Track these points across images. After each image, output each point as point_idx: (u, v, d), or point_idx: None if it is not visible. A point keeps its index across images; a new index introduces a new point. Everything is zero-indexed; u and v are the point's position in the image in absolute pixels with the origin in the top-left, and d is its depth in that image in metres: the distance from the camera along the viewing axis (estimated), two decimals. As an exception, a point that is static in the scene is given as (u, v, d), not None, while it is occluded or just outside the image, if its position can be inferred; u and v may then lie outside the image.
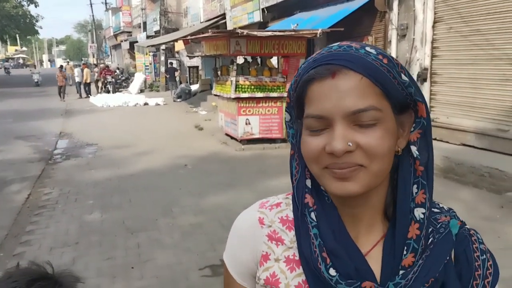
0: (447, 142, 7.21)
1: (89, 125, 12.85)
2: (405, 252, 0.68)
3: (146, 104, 18.34)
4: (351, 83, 0.64)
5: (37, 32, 41.98)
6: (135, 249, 4.21)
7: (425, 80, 7.68)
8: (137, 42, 27.41)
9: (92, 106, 18.34)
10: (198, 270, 3.76)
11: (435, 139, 7.49)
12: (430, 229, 0.69)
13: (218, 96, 10.17)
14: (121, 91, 23.55)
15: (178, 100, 18.93)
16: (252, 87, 8.97)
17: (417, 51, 7.78)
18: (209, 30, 10.08)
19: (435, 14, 7.52)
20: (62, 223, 4.95)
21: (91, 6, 40.99)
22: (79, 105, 18.81)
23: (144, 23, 27.27)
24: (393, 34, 8.29)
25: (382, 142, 0.65)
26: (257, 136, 9.09)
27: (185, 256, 4.04)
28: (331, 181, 0.67)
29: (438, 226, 0.70)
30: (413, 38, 7.80)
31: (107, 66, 27.67)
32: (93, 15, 42.74)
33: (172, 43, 20.06)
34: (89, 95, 21.77)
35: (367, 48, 0.67)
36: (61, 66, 23.82)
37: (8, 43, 65.61)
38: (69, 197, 5.91)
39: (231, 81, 8.97)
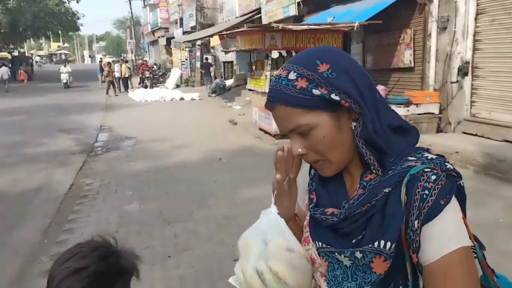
0: (489, 138, 6.97)
1: (128, 119, 13.21)
2: (357, 188, 0.94)
3: (182, 99, 18.65)
4: (280, 113, 0.91)
5: (78, 29, 43.27)
6: (171, 239, 4.33)
7: (466, 74, 7.44)
8: (173, 38, 27.89)
9: (130, 100, 18.84)
10: (232, 261, 3.82)
11: (476, 135, 7.26)
12: (390, 173, 0.90)
13: (253, 90, 10.22)
14: (158, 86, 24.08)
15: (213, 95, 19.13)
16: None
17: (458, 44, 7.54)
18: (244, 25, 10.16)
19: (477, 5, 7.26)
20: (102, 213, 5.15)
21: (130, 2, 41.87)
22: (119, 100, 19.36)
23: (181, 19, 27.68)
24: (433, 27, 8.07)
25: (321, 140, 0.90)
26: (291, 130, 9.07)
27: (219, 247, 4.12)
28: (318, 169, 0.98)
29: (399, 170, 0.89)
30: (454, 31, 7.56)
31: (145, 62, 28.31)
32: (131, 12, 43.60)
33: (207, 38, 20.27)
34: (128, 90, 22.37)
35: (290, 75, 0.90)
36: (109, 62, 24.29)
37: (51, 39, 68.16)
38: (109, 188, 6.13)
39: (266, 75, 8.99)
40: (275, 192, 1.02)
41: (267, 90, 8.85)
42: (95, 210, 5.25)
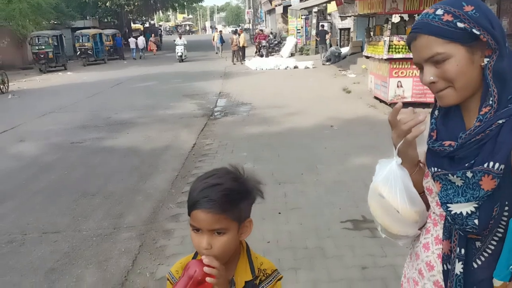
0: None
1: (244, 86, 13.80)
2: (474, 123, 1.06)
3: (296, 67, 18.76)
4: (422, 42, 1.07)
5: (201, 0, 45.55)
6: (282, 198, 4.58)
7: None
8: (290, 5, 27.83)
9: (247, 69, 19.55)
10: (340, 222, 3.94)
11: None
12: (506, 109, 1.02)
13: (369, 57, 9.89)
14: (273, 55, 24.48)
15: (327, 63, 18.88)
16: (407, 47, 8.48)
17: None
18: (364, -11, 9.74)
19: None
20: (220, 170, 5.60)
21: (249, -28, 42.65)
22: (236, 68, 20.22)
23: (298, -14, 27.41)
24: None
25: (455, 68, 1.04)
26: (408, 99, 8.66)
27: (328, 209, 4.25)
28: (437, 99, 1.13)
29: None
30: None
31: (261, 31, 28.87)
32: (250, -19, 44.49)
33: (324, 4, 19.86)
34: (245, 59, 23.17)
35: (437, 11, 1.05)
36: (235, 31, 24.99)
37: (178, 11, 72.85)
38: (227, 149, 6.61)
39: (384, 41, 8.63)
40: (399, 144, 1.19)
41: (385, 57, 8.57)
42: (214, 167, 5.71)
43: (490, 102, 1.04)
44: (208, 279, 1.07)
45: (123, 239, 3.89)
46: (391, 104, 8.77)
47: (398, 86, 8.68)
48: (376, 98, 9.73)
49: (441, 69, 1.06)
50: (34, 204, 4.86)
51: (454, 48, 1.03)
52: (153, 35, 36.96)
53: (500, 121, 1.02)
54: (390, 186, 1.16)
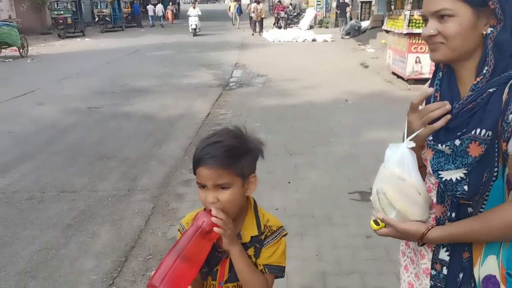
0: None
1: (261, 58, 13.72)
2: (468, 92, 1.10)
3: (314, 40, 18.50)
4: None
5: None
6: (292, 168, 4.65)
7: None
8: (311, -24, 27.17)
9: (264, 41, 19.35)
10: (348, 193, 4.01)
11: None
12: (497, 78, 1.05)
13: (389, 31, 9.72)
14: (291, 27, 24.11)
15: (346, 37, 18.57)
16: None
17: None
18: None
19: None
20: (233, 139, 5.69)
21: None
22: (253, 39, 20.04)
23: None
24: None
25: (456, 27, 1.06)
26: (426, 76, 8.52)
27: (336, 180, 4.32)
28: (429, 52, 1.15)
29: (506, 75, 1.05)
30: None
31: (280, 2, 28.35)
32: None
33: (346, -24, 19.36)
34: (262, 31, 22.89)
35: None
36: (258, 1, 24.49)
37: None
38: (240, 119, 6.67)
39: (405, 15, 8.45)
40: (421, 130, 1.16)
41: (405, 31, 8.42)
42: (227, 136, 5.82)
43: (484, 71, 1.07)
44: (215, 229, 1.14)
45: (137, 201, 4.04)
46: (408, 80, 8.67)
47: (416, 62, 8.55)
48: (393, 73, 9.61)
49: (443, 25, 1.08)
50: (52, 164, 5.03)
51: (462, 7, 1.05)
52: (171, 3, 36.65)
53: (491, 90, 1.05)
54: (408, 170, 1.13)
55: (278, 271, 1.28)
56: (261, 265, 1.26)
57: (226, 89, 9.13)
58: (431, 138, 1.15)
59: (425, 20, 1.14)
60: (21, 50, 15.16)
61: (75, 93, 8.92)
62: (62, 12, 22.43)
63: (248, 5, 24.39)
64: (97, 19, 26.34)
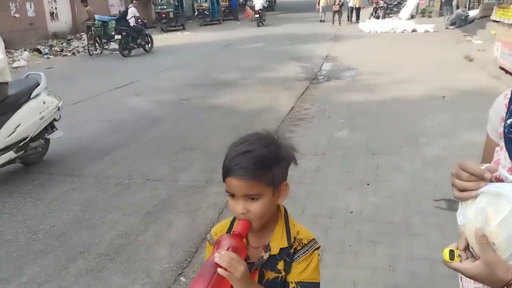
0: None
1: (354, 50, 13.25)
2: None
3: (414, 30, 17.42)
4: None
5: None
6: (373, 169, 4.41)
7: None
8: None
9: (360, 31, 18.68)
10: (433, 200, 3.68)
11: None
12: None
13: (498, 22, 8.75)
14: (390, 17, 22.96)
15: (451, 27, 17.15)
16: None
17: None
18: None
19: None
20: (314, 135, 5.56)
21: None
22: (348, 30, 19.45)
23: None
24: None
25: None
26: (541, 71, 7.55)
27: (421, 184, 3.99)
28: None
29: None
30: None
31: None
32: None
33: (453, -39, 17.83)
34: (358, 21, 22.11)
35: None
36: None
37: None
38: (324, 114, 6.49)
39: (518, 3, 7.53)
40: None
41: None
42: (308, 132, 5.71)
43: None
44: (219, 270, 1.01)
45: (213, 193, 4.12)
46: (519, 76, 7.73)
47: (529, 55, 7.58)
48: (501, 68, 8.63)
49: None
50: (141, 153, 5.36)
51: None
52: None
53: None
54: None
55: None
56: (293, 283, 1.16)
57: (313, 82, 8.96)
58: None
59: None
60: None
61: (170, 85, 9.42)
62: (165, 7, 23.84)
63: None
64: (196, 13, 27.53)
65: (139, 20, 15.39)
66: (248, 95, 8.03)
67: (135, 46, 15.04)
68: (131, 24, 14.85)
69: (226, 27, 24.89)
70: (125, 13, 15.49)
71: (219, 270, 1.01)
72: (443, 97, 7.11)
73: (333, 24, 21.99)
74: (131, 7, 15.48)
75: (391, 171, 4.34)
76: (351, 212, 3.55)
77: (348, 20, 23.05)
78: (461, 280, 1.21)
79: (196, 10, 27.70)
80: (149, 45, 15.76)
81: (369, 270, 2.80)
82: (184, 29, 24.75)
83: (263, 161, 1.10)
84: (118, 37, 14.39)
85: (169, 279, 2.91)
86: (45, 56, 15.42)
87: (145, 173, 4.71)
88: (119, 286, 2.85)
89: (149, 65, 12.61)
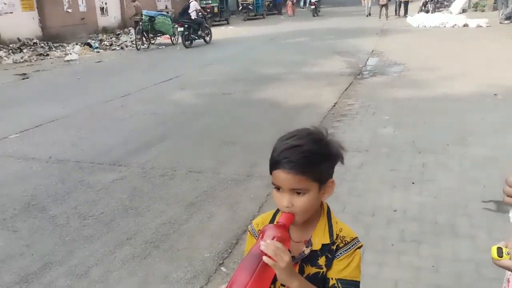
0: None
1: (401, 45, 12.89)
2: None
3: (465, 25, 16.69)
4: None
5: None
6: (419, 168, 4.29)
7: None
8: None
9: (407, 26, 18.14)
10: (481, 202, 3.54)
11: None
12: None
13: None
14: (441, 11, 22.10)
15: (506, 21, 16.30)
16: None
17: None
18: None
19: None
20: (357, 132, 5.48)
21: None
22: (395, 24, 18.93)
23: None
24: None
25: None
26: None
27: (469, 185, 3.85)
28: None
29: None
30: None
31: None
32: None
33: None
34: (407, 15, 21.46)
35: None
36: None
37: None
38: (368, 110, 6.37)
39: None
40: None
41: None
42: (351, 128, 5.63)
43: None
44: (265, 258, 1.01)
45: (254, 187, 4.17)
46: None
47: None
48: (561, 64, 8.14)
49: None
50: (185, 145, 5.49)
51: None
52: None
53: None
54: None
55: (352, 287, 1.18)
56: (333, 279, 1.17)
57: (358, 78, 8.80)
58: None
59: None
60: (172, 38, 16.73)
61: (213, 79, 9.56)
62: (210, 2, 24.16)
63: None
64: (240, 7, 27.68)
65: (200, 13, 16.22)
66: (290, 90, 8.01)
67: (196, 38, 15.83)
68: (192, 17, 15.67)
69: (269, 22, 24.87)
70: (187, 6, 16.22)
71: (264, 258, 1.01)
72: (495, 94, 6.79)
73: (379, 18, 21.49)
74: (192, 1, 16.14)
75: (438, 170, 4.20)
76: (395, 210, 3.48)
77: (396, 14, 22.42)
78: (508, 282, 1.17)
79: (240, 5, 27.83)
80: (209, 36, 16.38)
81: (412, 270, 2.75)
82: (228, 23, 24.97)
83: (312, 157, 1.11)
84: (180, 29, 15.25)
85: (210, 268, 2.98)
86: (95, 50, 16.05)
87: (188, 165, 4.82)
88: (163, 273, 2.96)
89: (193, 59, 12.85)
